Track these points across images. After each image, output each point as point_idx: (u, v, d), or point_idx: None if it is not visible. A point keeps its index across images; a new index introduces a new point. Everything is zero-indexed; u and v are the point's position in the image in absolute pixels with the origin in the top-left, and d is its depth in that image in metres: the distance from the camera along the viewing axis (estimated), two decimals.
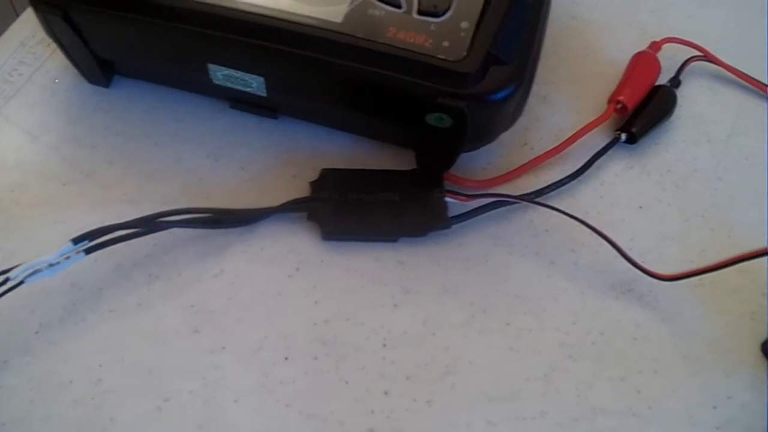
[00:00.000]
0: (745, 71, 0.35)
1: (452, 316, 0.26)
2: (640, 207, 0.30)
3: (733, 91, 0.35)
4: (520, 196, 0.28)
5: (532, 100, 0.29)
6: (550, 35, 0.32)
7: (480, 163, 0.30)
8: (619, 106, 0.31)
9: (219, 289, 0.27)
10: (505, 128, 0.28)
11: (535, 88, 0.30)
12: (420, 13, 0.25)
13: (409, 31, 0.25)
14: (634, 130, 0.30)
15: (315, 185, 0.28)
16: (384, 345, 0.26)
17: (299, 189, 0.29)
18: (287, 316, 0.26)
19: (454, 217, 0.27)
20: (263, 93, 0.28)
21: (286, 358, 0.25)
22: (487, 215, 0.28)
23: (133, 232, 0.25)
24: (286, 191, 0.29)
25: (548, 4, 0.29)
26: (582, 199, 0.30)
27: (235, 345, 0.25)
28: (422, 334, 0.26)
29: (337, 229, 0.27)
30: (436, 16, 0.25)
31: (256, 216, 0.27)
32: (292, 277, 0.27)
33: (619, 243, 0.27)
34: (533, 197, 0.28)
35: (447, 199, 0.27)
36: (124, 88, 0.32)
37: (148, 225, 0.26)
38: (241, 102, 0.30)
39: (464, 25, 0.25)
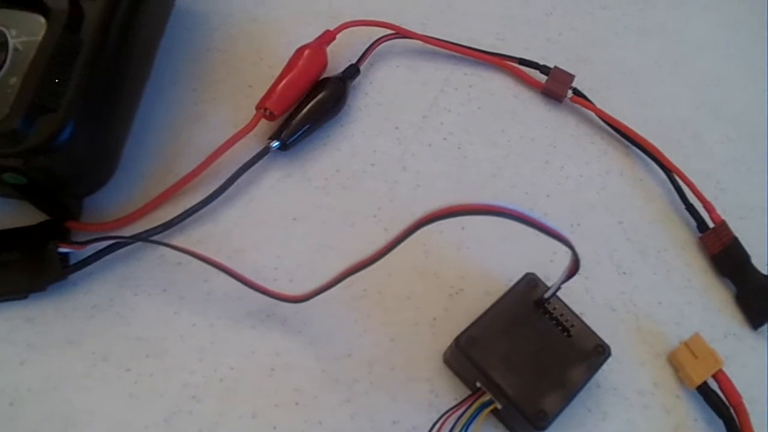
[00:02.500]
0: (450, 40, 0.33)
1: (74, 368, 0.25)
2: (294, 219, 0.28)
3: (437, 64, 0.33)
4: (135, 235, 0.26)
5: (184, 122, 0.28)
6: (217, 48, 0.30)
7: (121, 200, 0.28)
8: (267, 112, 0.29)
9: None
10: (109, 166, 0.26)
11: (191, 108, 0.29)
12: None
13: None
14: (283, 136, 0.28)
15: None
16: (11, 404, 0.24)
17: None
18: None
19: (72, 265, 0.25)
20: None
21: None
22: (117, 256, 0.26)
23: None
24: None
25: (136, 32, 0.27)
26: (224, 221, 0.28)
27: None
28: (45, 389, 0.24)
29: None
30: None
31: None
32: None
33: (249, 268, 0.25)
34: (159, 231, 0.26)
35: (61, 249, 0.26)
36: None
37: None
38: None
39: (12, 81, 0.23)
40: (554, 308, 0.26)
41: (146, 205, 0.27)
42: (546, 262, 0.29)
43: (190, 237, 0.27)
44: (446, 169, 0.31)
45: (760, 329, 0.31)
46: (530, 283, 0.27)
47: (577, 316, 0.26)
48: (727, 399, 0.28)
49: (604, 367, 0.27)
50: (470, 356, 0.25)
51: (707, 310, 0.31)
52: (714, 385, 0.29)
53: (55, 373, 0.25)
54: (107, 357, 0.25)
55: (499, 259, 0.29)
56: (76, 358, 0.25)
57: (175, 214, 0.27)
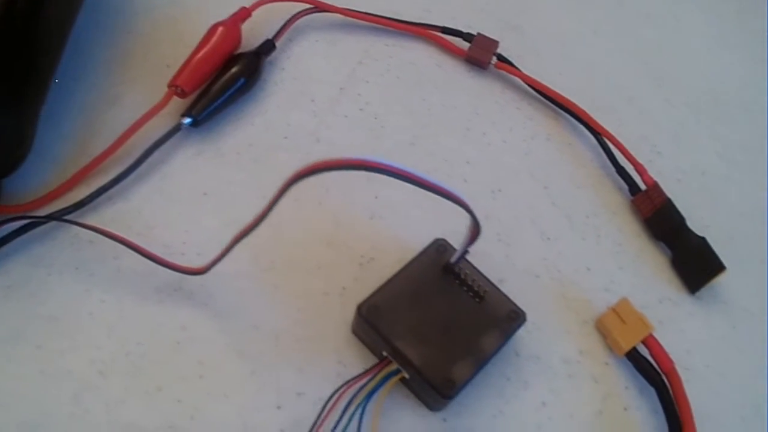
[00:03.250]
0: (368, 11, 0.32)
1: None
2: (205, 194, 0.28)
3: (357, 37, 0.33)
4: (48, 215, 0.26)
5: (101, 105, 0.28)
6: (138, 31, 0.30)
7: (35, 183, 0.27)
8: (178, 90, 0.28)
9: None
10: (20, 149, 0.26)
11: (108, 91, 0.29)
12: None
13: None
14: (194, 112, 0.28)
15: None
16: None
17: None
18: None
19: None
20: None
21: None
22: (31, 236, 0.26)
23: None
24: None
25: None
26: (135, 199, 0.28)
27: None
28: None
29: None
30: None
31: None
32: None
33: (158, 244, 0.25)
34: (72, 210, 0.26)
35: None
36: None
37: None
38: None
39: None
40: (465, 274, 0.26)
41: (60, 186, 0.27)
42: (462, 229, 0.26)
43: (102, 215, 0.27)
44: (362, 139, 0.30)
45: (697, 294, 0.31)
46: (440, 249, 0.26)
47: (490, 281, 0.26)
48: (659, 365, 0.28)
49: (525, 335, 0.27)
50: (373, 324, 0.24)
51: (640, 276, 0.30)
52: (645, 352, 0.28)
53: None
54: (19, 336, 0.25)
55: (413, 228, 0.28)
56: None
57: (88, 194, 0.27)
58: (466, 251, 0.25)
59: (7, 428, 0.23)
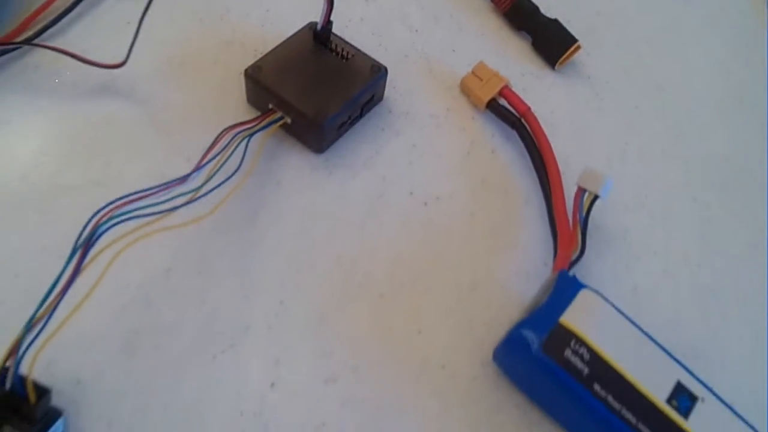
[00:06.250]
0: None
1: None
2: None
3: None
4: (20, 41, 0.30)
5: None
6: None
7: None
8: None
9: None
10: None
11: None
12: None
13: None
14: None
15: None
16: None
17: None
18: None
19: None
20: None
21: None
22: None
23: None
24: None
25: None
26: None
27: None
28: None
29: None
30: None
31: None
32: None
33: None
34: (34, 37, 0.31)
35: None
36: None
37: None
38: None
39: None
40: (335, 44, 0.31)
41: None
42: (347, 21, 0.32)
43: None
44: None
45: (559, 69, 0.36)
46: (312, 28, 0.31)
47: (355, 47, 0.31)
48: (515, 109, 0.32)
49: (397, 97, 0.32)
50: (257, 80, 0.29)
51: (503, 57, 0.35)
52: (505, 103, 0.33)
53: None
54: None
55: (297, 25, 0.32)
56: None
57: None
58: (330, 21, 0.30)
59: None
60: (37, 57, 0.32)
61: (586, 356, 0.24)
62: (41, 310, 0.22)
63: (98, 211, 0.23)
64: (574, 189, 0.28)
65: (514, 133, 0.32)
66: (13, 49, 0.32)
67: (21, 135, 0.30)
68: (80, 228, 0.22)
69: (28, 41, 0.33)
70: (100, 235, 0.23)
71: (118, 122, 0.30)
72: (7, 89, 0.31)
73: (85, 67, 0.31)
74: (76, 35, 0.33)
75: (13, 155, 0.29)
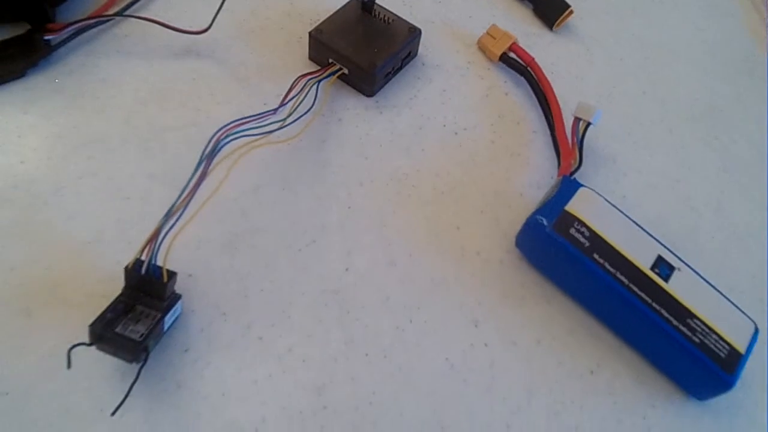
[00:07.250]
0: None
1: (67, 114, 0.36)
2: None
3: None
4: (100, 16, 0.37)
5: None
6: None
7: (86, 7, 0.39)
8: None
9: None
10: None
11: None
12: None
13: None
14: None
15: None
16: (22, 162, 0.34)
17: None
18: None
19: (53, 46, 0.37)
20: None
21: None
22: (81, 39, 0.37)
23: None
24: None
25: None
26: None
27: None
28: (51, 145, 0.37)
29: None
30: None
31: None
32: None
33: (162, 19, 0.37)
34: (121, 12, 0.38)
35: (45, 37, 0.37)
36: None
37: None
38: None
39: None
40: (378, 12, 0.38)
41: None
42: None
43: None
44: None
45: (556, 30, 0.43)
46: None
47: (396, 15, 0.38)
48: (522, 60, 0.39)
49: (427, 53, 0.40)
50: (319, 40, 0.37)
51: (510, 21, 0.43)
52: (514, 57, 0.40)
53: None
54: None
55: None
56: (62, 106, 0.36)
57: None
58: None
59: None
60: (125, 28, 0.39)
61: (587, 234, 0.31)
62: (177, 203, 0.28)
63: (218, 130, 0.30)
64: (572, 120, 0.36)
65: (522, 79, 0.39)
66: (106, 21, 0.39)
67: (118, 89, 0.36)
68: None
69: (120, 13, 0.40)
70: (221, 148, 0.30)
71: (203, 78, 0.37)
72: (102, 54, 0.38)
73: (168, 34, 0.38)
74: (158, 7, 0.40)
75: (114, 104, 0.36)
